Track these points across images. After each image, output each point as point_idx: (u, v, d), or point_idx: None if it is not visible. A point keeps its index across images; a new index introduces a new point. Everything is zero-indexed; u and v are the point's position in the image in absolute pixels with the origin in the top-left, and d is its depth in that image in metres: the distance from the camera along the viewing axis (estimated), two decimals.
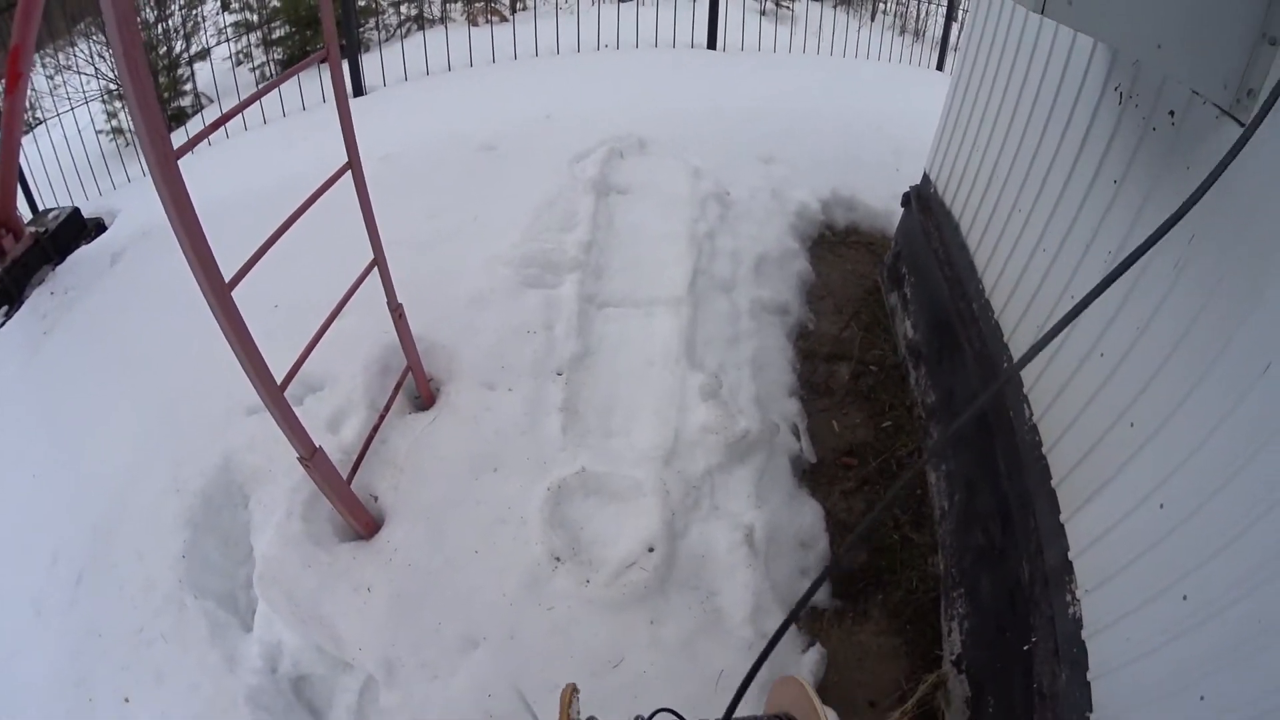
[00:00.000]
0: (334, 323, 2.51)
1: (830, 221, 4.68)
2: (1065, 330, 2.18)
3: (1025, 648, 2.04)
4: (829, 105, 5.78)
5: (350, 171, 2.46)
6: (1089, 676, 1.75)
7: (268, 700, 2.51)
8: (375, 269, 2.72)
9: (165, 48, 7.89)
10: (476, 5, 8.37)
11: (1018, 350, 2.60)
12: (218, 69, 7.61)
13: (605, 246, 4.02)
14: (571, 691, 1.33)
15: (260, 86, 2.11)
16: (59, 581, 2.88)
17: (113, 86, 7.58)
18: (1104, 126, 2.13)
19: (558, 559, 2.66)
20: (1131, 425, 1.81)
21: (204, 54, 7.96)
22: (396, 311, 2.86)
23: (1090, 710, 1.74)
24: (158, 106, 1.60)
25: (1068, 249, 2.32)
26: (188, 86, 7.83)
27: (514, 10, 8.29)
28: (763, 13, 8.55)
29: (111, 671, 2.63)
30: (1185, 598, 1.46)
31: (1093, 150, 2.19)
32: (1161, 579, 1.55)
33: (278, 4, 8.00)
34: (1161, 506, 1.61)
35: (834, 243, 4.61)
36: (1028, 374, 2.48)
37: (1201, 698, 1.38)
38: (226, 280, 1.86)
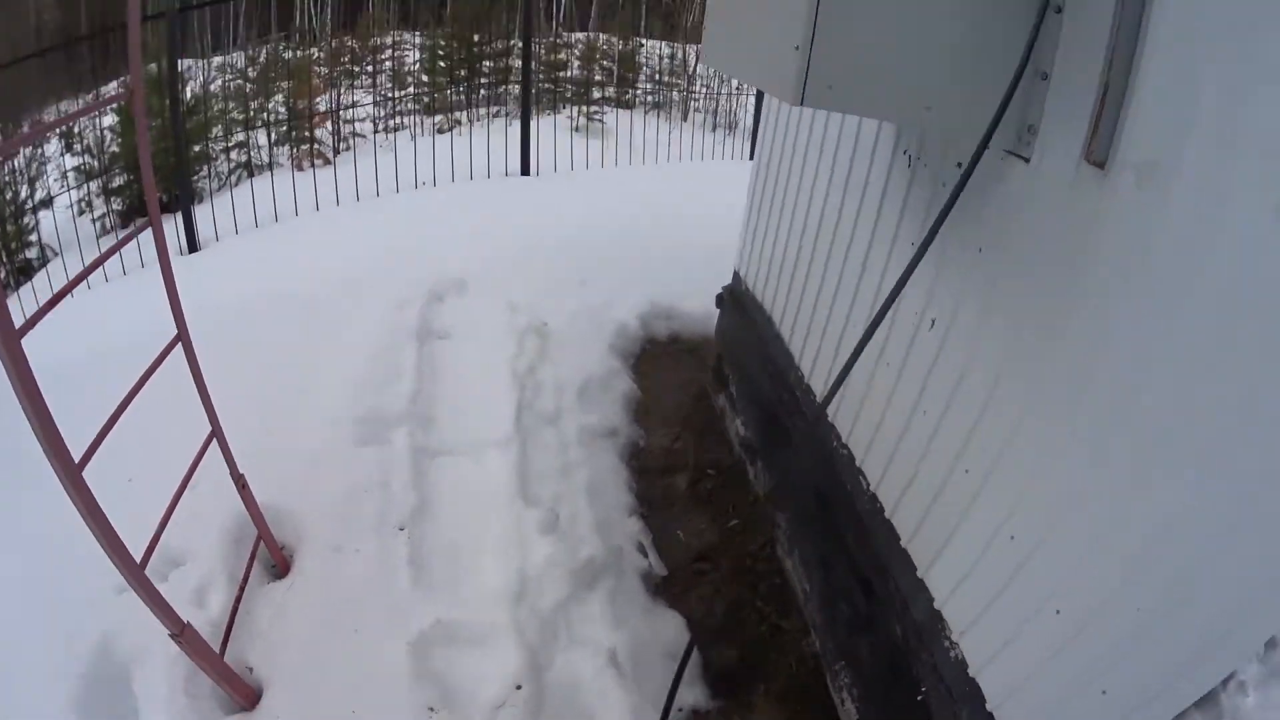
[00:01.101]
0: (186, 494, 2.41)
1: (651, 335, 4.79)
2: (889, 397, 2.33)
3: (919, 698, 2.05)
4: (644, 218, 6.02)
5: (180, 344, 2.41)
6: (989, 708, 1.77)
7: None
8: (215, 441, 2.64)
9: (11, 193, 7.54)
10: (301, 149, 8.43)
11: (844, 430, 2.70)
12: (60, 218, 7.20)
13: (432, 395, 3.97)
14: None
15: (90, 262, 2.03)
16: None
17: None
18: (897, 192, 2.32)
19: (431, 709, 2.53)
20: (967, 471, 1.91)
21: (48, 202, 7.61)
22: (240, 482, 2.78)
23: None
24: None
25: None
26: (33, 237, 7.47)
27: (336, 152, 8.39)
28: (575, 129, 8.92)
29: None
30: (1058, 612, 1.52)
31: (889, 217, 2.37)
32: (1031, 602, 1.61)
33: (117, 149, 7.86)
34: (1012, 538, 1.69)
35: (657, 355, 4.70)
36: (858, 447, 2.58)
37: (1104, 692, 1.43)
38: (76, 460, 1.77)
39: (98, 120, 8.39)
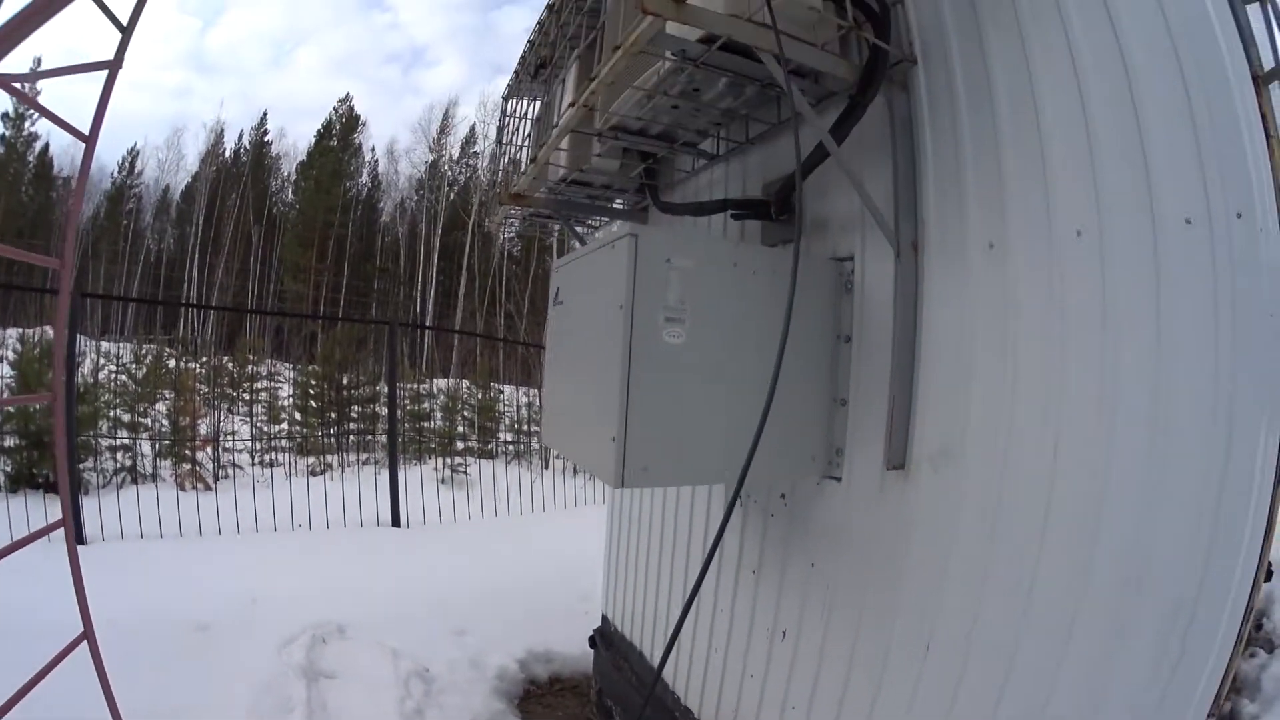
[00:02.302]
0: None
1: (532, 676, 4.96)
2: (759, 703, 2.70)
3: None
4: (515, 567, 6.38)
5: (86, 643, 2.47)
6: None
7: None
8: None
9: None
10: (183, 469, 8.45)
11: None
12: None
13: None
14: None
15: (8, 545, 2.21)
16: None
17: None
18: (735, 526, 2.83)
19: None
20: None
21: None
22: None
23: None
24: None
25: (734, 640, 2.88)
26: None
27: (216, 479, 8.45)
28: (441, 481, 9.19)
29: None
30: None
31: (730, 551, 2.88)
32: None
33: (11, 411, 7.60)
34: None
35: (540, 694, 4.86)
36: None
37: None
38: None
39: None
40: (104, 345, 11.51)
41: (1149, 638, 1.56)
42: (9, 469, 7.67)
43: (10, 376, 8.57)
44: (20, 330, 13.83)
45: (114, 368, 10.19)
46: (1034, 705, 1.71)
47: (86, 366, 9.40)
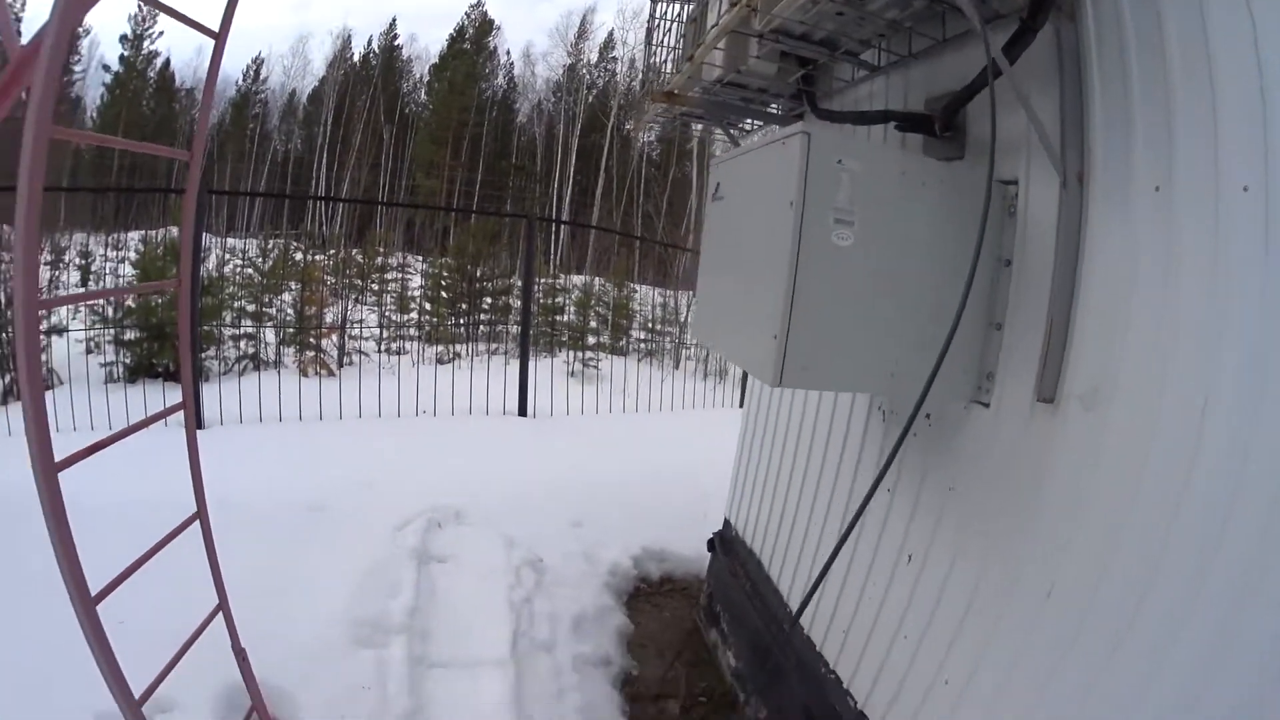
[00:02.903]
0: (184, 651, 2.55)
1: (644, 574, 5.11)
2: (871, 626, 2.70)
3: None
4: (638, 464, 6.45)
5: (198, 521, 2.64)
6: None
7: None
8: (220, 614, 2.80)
9: None
10: (307, 356, 8.83)
11: (831, 657, 3.04)
12: (72, 350, 7.64)
13: (429, 612, 4.21)
14: None
15: (130, 425, 2.32)
16: None
17: None
18: (874, 443, 2.79)
19: None
20: (946, 682, 2.25)
21: (61, 331, 7.92)
22: (240, 655, 2.92)
23: None
24: (46, 419, 1.79)
25: (858, 558, 2.84)
26: (44, 357, 7.58)
27: (341, 365, 8.83)
28: (571, 374, 9.40)
29: None
30: None
31: (867, 467, 2.83)
32: None
33: (132, 305, 8.19)
34: None
35: (650, 593, 5.01)
36: (845, 671, 2.90)
37: None
38: (93, 594, 1.97)
39: (119, 264, 8.82)
40: (230, 241, 11.80)
41: None
42: (129, 360, 8.21)
43: (133, 275, 8.92)
44: (143, 232, 14.47)
45: (239, 262, 10.51)
46: (1150, 668, 1.62)
47: (211, 262, 9.76)
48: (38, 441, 1.77)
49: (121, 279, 8.96)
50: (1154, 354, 1.68)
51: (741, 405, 7.98)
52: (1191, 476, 1.57)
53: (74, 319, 8.28)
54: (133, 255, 9.16)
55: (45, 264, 9.72)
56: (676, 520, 5.49)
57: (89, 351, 8.18)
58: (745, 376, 8.71)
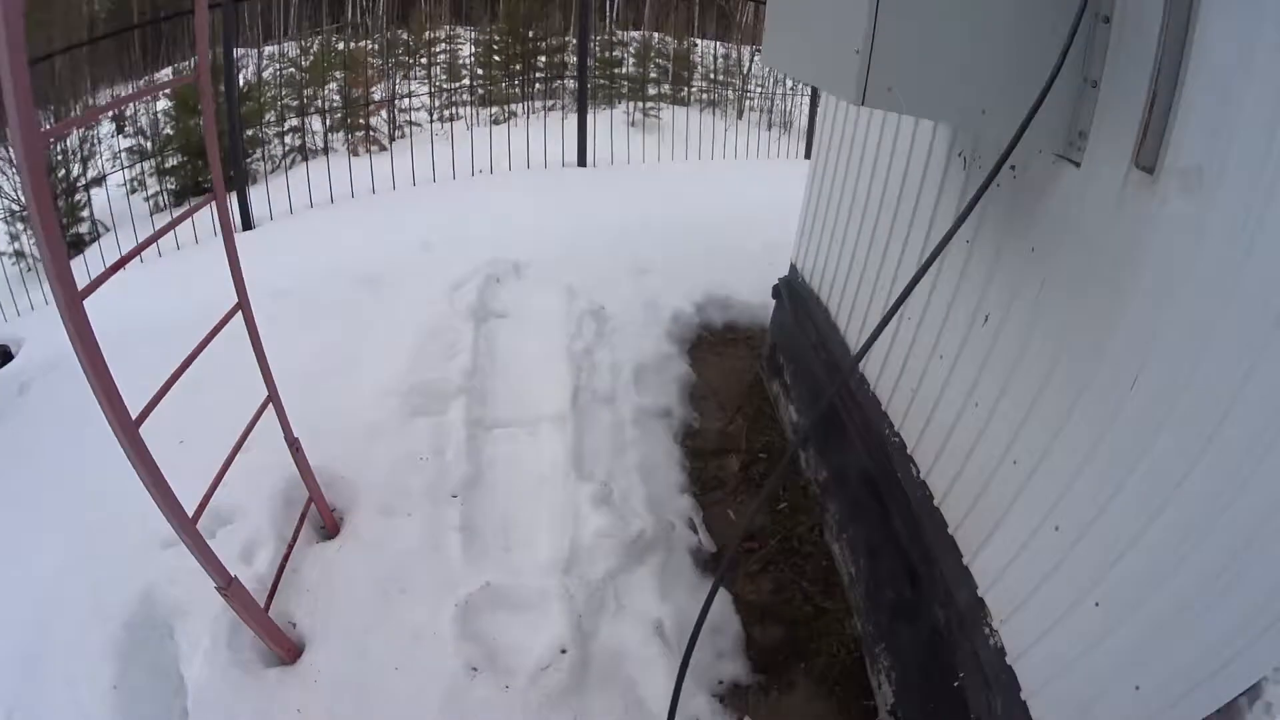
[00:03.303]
0: (239, 456, 2.51)
1: (707, 322, 4.87)
2: (941, 388, 2.38)
3: (955, 684, 2.10)
4: (699, 210, 6.07)
5: (241, 312, 2.52)
6: (1023, 696, 1.81)
7: None
8: (271, 406, 2.75)
9: (64, 170, 7.85)
10: (356, 135, 8.63)
11: (896, 419, 2.75)
12: (113, 195, 7.55)
13: (488, 371, 4.10)
14: None
15: (157, 230, 2.15)
16: None
17: (15, 207, 7.48)
18: (953, 192, 2.35)
19: (475, 669, 2.62)
20: (1015, 463, 1.95)
21: (100, 180, 7.89)
22: (294, 446, 2.89)
23: None
24: (64, 248, 1.63)
25: (931, 314, 2.50)
26: (85, 213, 7.79)
27: (392, 139, 8.53)
28: (631, 124, 8.92)
29: None
30: (1097, 604, 1.56)
31: (944, 216, 2.41)
32: (1071, 593, 1.65)
33: (170, 132, 8.09)
34: (1057, 529, 1.73)
35: (713, 342, 4.78)
36: (910, 435, 2.63)
37: (1137, 688, 1.46)
38: (134, 417, 1.87)
39: (151, 105, 8.65)
40: (267, 49, 11.21)
41: None
42: (173, 185, 8.00)
43: (170, 107, 8.49)
44: (173, 65, 13.92)
45: (279, 64, 9.99)
46: (1230, 483, 1.30)
47: (250, 70, 9.27)
48: (55, 271, 1.61)
49: (159, 115, 8.54)
50: (1271, 141, 1.26)
51: (808, 156, 7.38)
52: None
53: (113, 168, 7.97)
54: (167, 90, 8.67)
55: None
56: (741, 267, 5.16)
57: (132, 192, 7.98)
58: (811, 125, 8.12)
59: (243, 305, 2.52)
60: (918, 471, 2.54)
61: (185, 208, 6.70)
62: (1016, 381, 1.97)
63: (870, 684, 2.75)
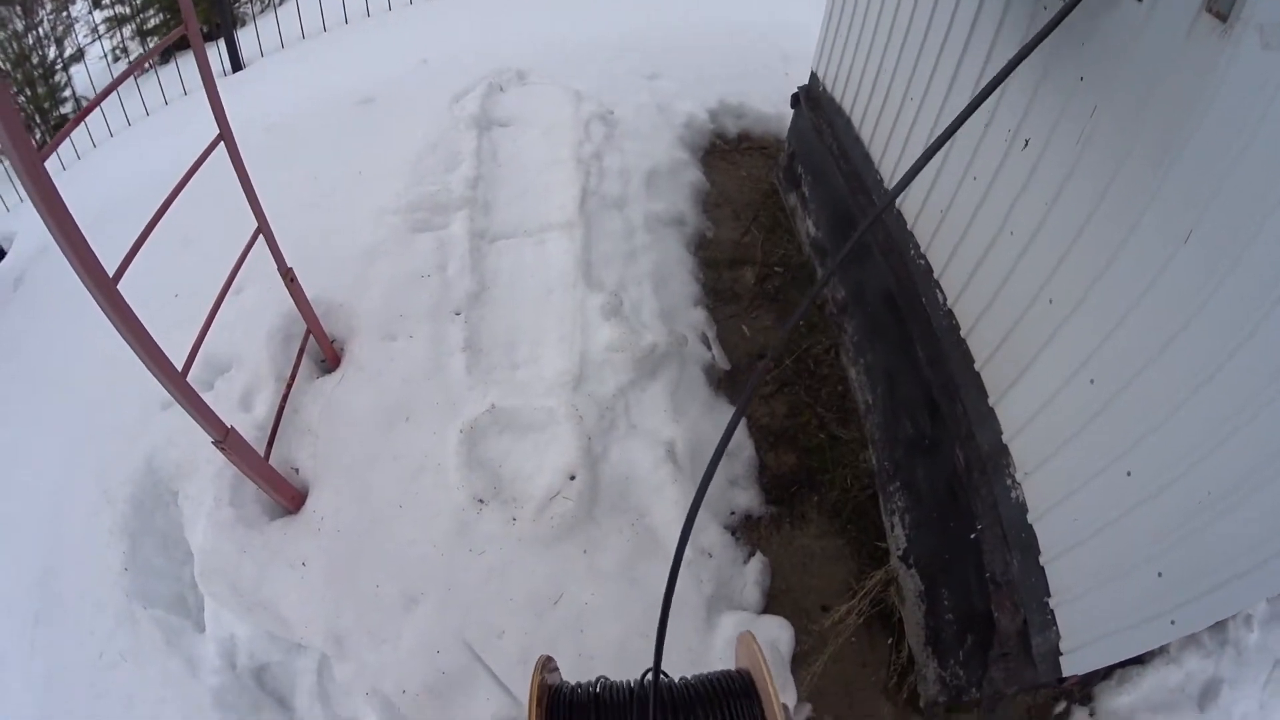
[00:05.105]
0: (233, 299, 2.46)
1: (720, 130, 4.60)
2: (974, 212, 2.20)
3: (972, 536, 2.08)
4: (713, 19, 5.64)
5: (223, 143, 2.32)
6: (1042, 561, 1.78)
7: (233, 699, 2.45)
8: (261, 237, 2.59)
9: (39, 55, 7.33)
10: None
11: (923, 240, 2.59)
12: (94, 69, 7.06)
13: (492, 180, 3.90)
14: (543, 665, 1.25)
15: (115, 77, 1.95)
16: (15, 629, 2.77)
17: None
18: (995, 4, 2.08)
19: (481, 501, 2.61)
20: (1050, 302, 1.82)
21: (78, 56, 7.44)
22: (288, 276, 2.74)
23: (1049, 595, 1.78)
24: (14, 111, 1.46)
25: (965, 132, 2.27)
26: (66, 93, 7.32)
27: None
28: None
29: (85, 705, 2.54)
30: (1129, 474, 1.48)
31: (985, 29, 2.13)
32: (1102, 456, 1.57)
33: None
34: (1092, 382, 1.63)
35: (726, 150, 4.53)
36: (937, 259, 2.48)
37: (1160, 574, 1.41)
38: (110, 274, 1.75)
39: None
40: None
41: None
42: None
43: None
44: None
45: None
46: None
47: None
48: (9, 134, 1.45)
49: None
50: None
51: None
52: None
53: (90, 42, 7.36)
54: None
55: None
56: (757, 76, 4.85)
57: (115, 61, 7.29)
58: None
59: (224, 136, 2.32)
60: (944, 299, 2.41)
61: (172, 64, 6.34)
62: (1057, 214, 1.79)
63: (884, 524, 2.75)
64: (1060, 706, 2.28)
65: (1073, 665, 1.76)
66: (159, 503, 2.81)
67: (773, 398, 3.21)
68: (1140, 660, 2.24)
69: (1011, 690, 1.96)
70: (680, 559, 1.26)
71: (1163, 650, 2.26)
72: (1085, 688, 2.29)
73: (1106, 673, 2.27)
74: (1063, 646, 1.77)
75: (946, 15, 2.36)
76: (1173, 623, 1.42)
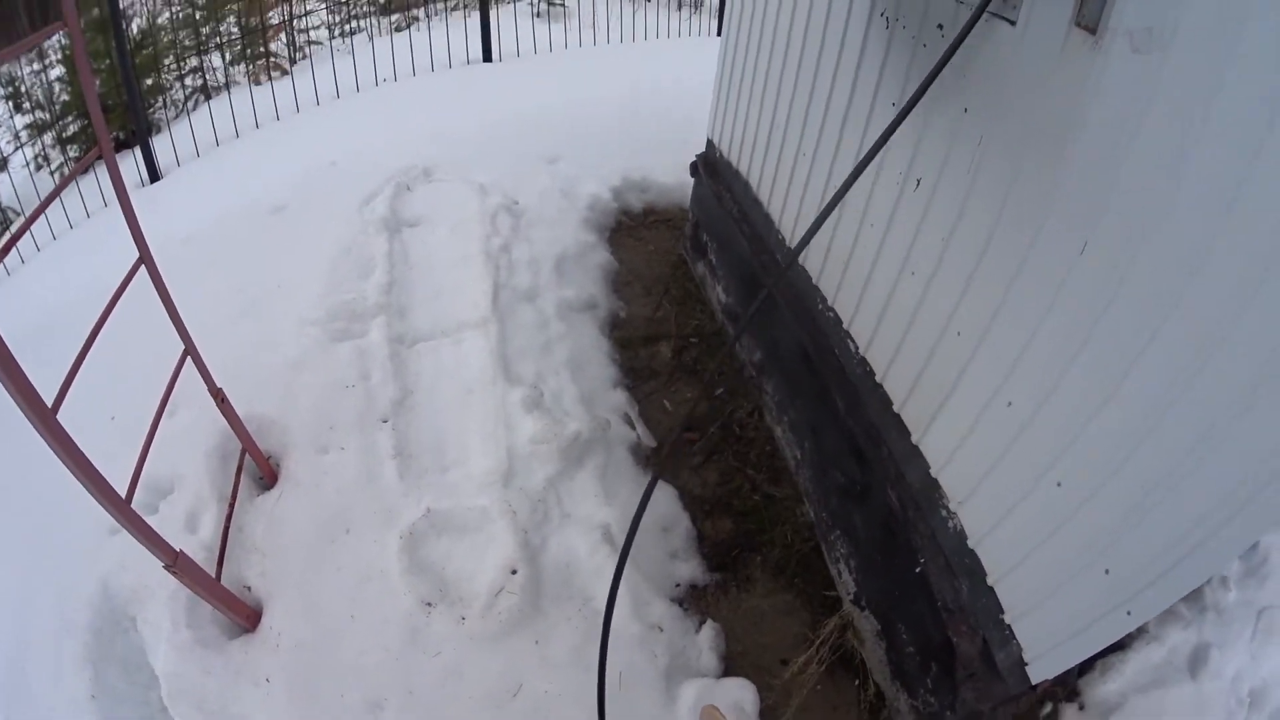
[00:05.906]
0: (169, 421, 2.40)
1: (625, 207, 4.65)
2: (875, 256, 2.24)
3: (917, 570, 2.06)
4: (611, 95, 5.78)
5: (145, 267, 2.31)
6: (990, 581, 1.77)
7: None
8: (190, 359, 2.57)
9: None
10: (258, 64, 8.01)
11: (829, 293, 2.62)
12: (17, 177, 6.83)
13: (405, 283, 3.87)
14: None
15: (33, 209, 1.91)
16: None
17: None
18: (875, 54, 2.16)
19: (429, 604, 2.56)
20: (959, 334, 1.85)
21: (1, 164, 7.15)
22: (218, 396, 2.71)
23: (1002, 612, 1.77)
24: None
25: (857, 182, 2.33)
26: None
27: (293, 62, 7.99)
28: (537, 14, 8.47)
29: None
30: (1059, 484, 1.49)
31: (867, 79, 2.22)
32: (1031, 472, 1.58)
33: (67, 98, 7.36)
34: (1010, 404, 1.65)
35: (633, 227, 4.58)
36: (845, 309, 2.51)
37: (1107, 571, 1.40)
38: (49, 404, 1.72)
39: (44, 75, 7.91)
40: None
41: None
42: (76, 153, 7.20)
43: (64, 73, 7.66)
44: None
45: (175, 8, 9.18)
46: (1188, 364, 1.24)
47: (143, 18, 8.39)
48: None
49: (56, 84, 7.76)
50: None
51: (719, 34, 6.89)
52: (1260, 155, 1.11)
53: (11, 149, 7.20)
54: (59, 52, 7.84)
55: None
56: (656, 149, 4.93)
57: (38, 169, 7.21)
58: (722, 2, 7.63)
59: (144, 259, 2.31)
60: (856, 346, 2.44)
61: (92, 176, 6.21)
62: (955, 247, 1.84)
63: (830, 573, 2.72)
64: (1046, 709, 2.25)
65: (1040, 672, 1.75)
66: (118, 629, 2.69)
67: (703, 468, 3.18)
68: (1120, 646, 2.23)
69: (987, 706, 1.92)
70: (609, 622, 1.19)
71: (1141, 631, 2.26)
72: (1066, 685, 2.26)
73: (1088, 665, 2.26)
74: (1026, 657, 1.76)
75: (829, 72, 2.45)
76: (1129, 613, 1.43)
